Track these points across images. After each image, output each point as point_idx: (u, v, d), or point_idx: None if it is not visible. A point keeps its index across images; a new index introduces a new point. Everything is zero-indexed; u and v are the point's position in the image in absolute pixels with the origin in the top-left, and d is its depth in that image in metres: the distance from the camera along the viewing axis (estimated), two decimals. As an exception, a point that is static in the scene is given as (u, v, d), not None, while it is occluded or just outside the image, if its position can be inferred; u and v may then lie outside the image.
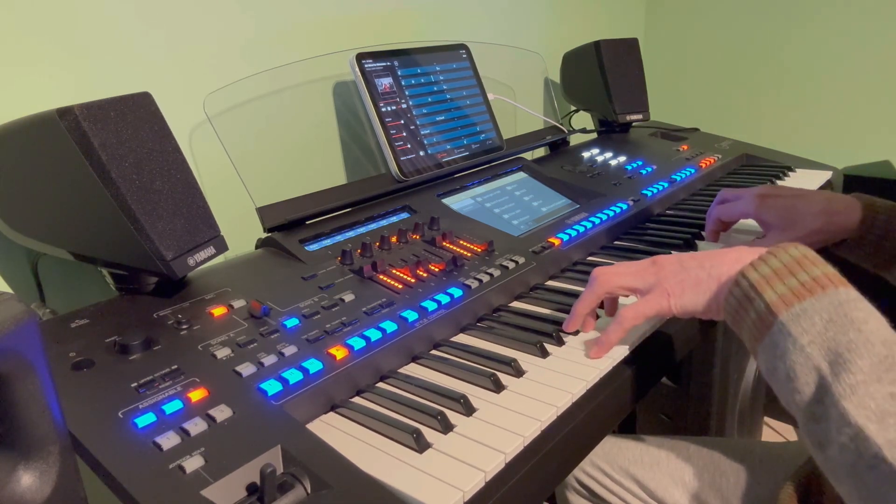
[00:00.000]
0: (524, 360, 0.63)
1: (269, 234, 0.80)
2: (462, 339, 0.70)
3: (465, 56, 1.10)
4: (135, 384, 0.52)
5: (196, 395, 0.52)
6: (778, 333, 0.49)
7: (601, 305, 0.69)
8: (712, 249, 0.61)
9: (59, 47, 0.77)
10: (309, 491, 0.45)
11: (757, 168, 1.35)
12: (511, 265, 0.79)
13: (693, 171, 1.22)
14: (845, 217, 0.80)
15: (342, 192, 0.88)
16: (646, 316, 0.62)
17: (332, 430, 0.55)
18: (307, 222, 0.83)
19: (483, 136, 1.09)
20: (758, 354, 0.52)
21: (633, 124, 1.43)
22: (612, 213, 0.99)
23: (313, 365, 0.57)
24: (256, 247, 0.80)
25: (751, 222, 0.90)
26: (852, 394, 0.43)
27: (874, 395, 0.42)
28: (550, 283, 0.83)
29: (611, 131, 1.44)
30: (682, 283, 0.60)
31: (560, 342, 0.66)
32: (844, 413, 0.43)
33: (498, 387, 0.59)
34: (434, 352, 0.67)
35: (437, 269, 0.76)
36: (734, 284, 0.54)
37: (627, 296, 0.66)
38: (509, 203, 1.01)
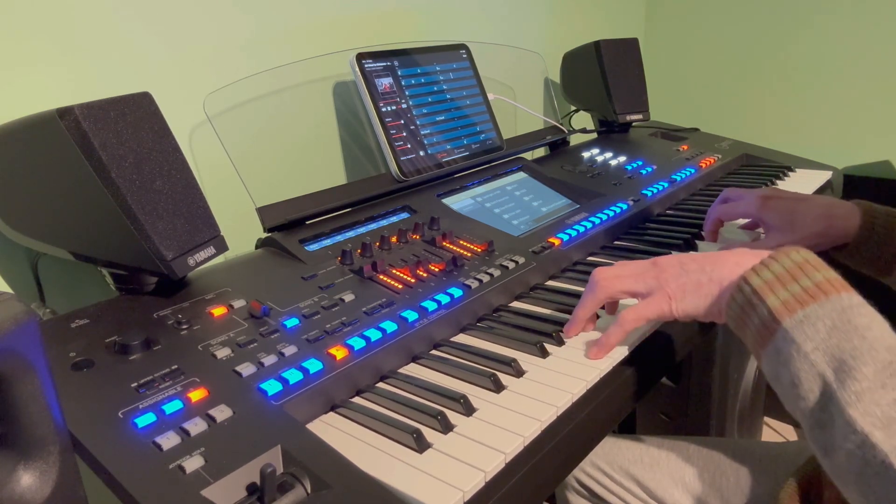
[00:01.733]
0: (524, 360, 0.63)
1: (269, 234, 0.80)
2: (462, 339, 0.70)
3: (465, 56, 1.10)
4: (135, 384, 0.52)
5: (196, 395, 0.52)
6: (781, 340, 0.49)
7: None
8: (712, 252, 0.61)
9: (59, 47, 0.77)
10: (309, 491, 0.45)
11: (757, 168, 1.35)
12: (511, 265, 0.79)
13: (693, 171, 1.22)
14: (845, 222, 0.81)
15: (342, 192, 0.88)
16: (647, 319, 0.62)
17: (332, 430, 0.55)
18: (307, 222, 0.83)
19: (483, 136, 1.08)
20: (762, 360, 0.52)
21: (633, 124, 1.43)
22: (612, 213, 0.99)
23: (313, 365, 0.57)
24: (256, 247, 0.80)
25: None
26: (858, 401, 0.43)
27: (879, 402, 0.42)
28: (550, 283, 0.83)
29: (611, 131, 1.44)
30: (684, 286, 0.59)
31: (560, 342, 0.66)
32: (850, 420, 0.43)
33: (498, 387, 0.59)
34: (434, 352, 0.67)
35: (437, 269, 0.76)
36: (736, 290, 0.54)
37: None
38: (509, 203, 1.01)
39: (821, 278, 0.50)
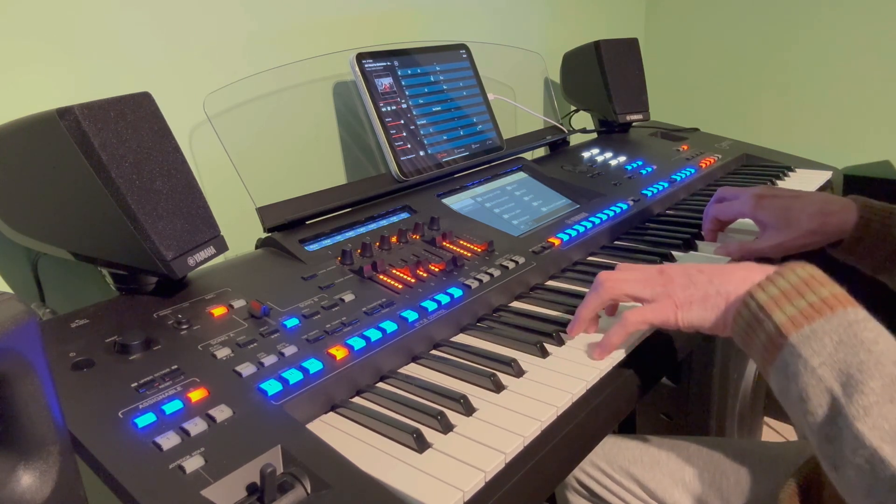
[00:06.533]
0: (524, 360, 0.63)
1: (269, 234, 0.80)
2: (462, 339, 0.70)
3: (465, 56, 1.10)
4: (135, 384, 0.52)
5: (196, 395, 0.52)
6: (789, 355, 0.49)
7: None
8: (720, 264, 0.61)
9: (58, 47, 0.77)
10: (309, 491, 0.45)
11: (757, 168, 1.35)
12: (511, 265, 0.79)
13: (693, 171, 1.22)
14: (840, 218, 0.81)
15: (342, 192, 0.88)
16: (650, 323, 0.62)
17: (332, 430, 0.55)
18: (307, 222, 0.83)
19: (483, 136, 1.08)
20: (769, 375, 0.52)
21: (633, 124, 1.43)
22: (612, 213, 0.99)
23: (313, 365, 0.57)
24: (256, 247, 0.80)
25: (749, 222, 0.91)
26: (866, 415, 0.43)
27: (887, 416, 0.42)
28: (550, 283, 0.83)
29: (611, 131, 1.44)
30: (691, 297, 0.59)
31: (560, 342, 0.66)
32: (859, 435, 0.43)
33: (498, 387, 0.59)
34: (434, 352, 0.67)
35: (437, 269, 0.76)
36: (743, 305, 0.54)
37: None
38: (509, 203, 1.01)
39: (827, 294, 0.50)
